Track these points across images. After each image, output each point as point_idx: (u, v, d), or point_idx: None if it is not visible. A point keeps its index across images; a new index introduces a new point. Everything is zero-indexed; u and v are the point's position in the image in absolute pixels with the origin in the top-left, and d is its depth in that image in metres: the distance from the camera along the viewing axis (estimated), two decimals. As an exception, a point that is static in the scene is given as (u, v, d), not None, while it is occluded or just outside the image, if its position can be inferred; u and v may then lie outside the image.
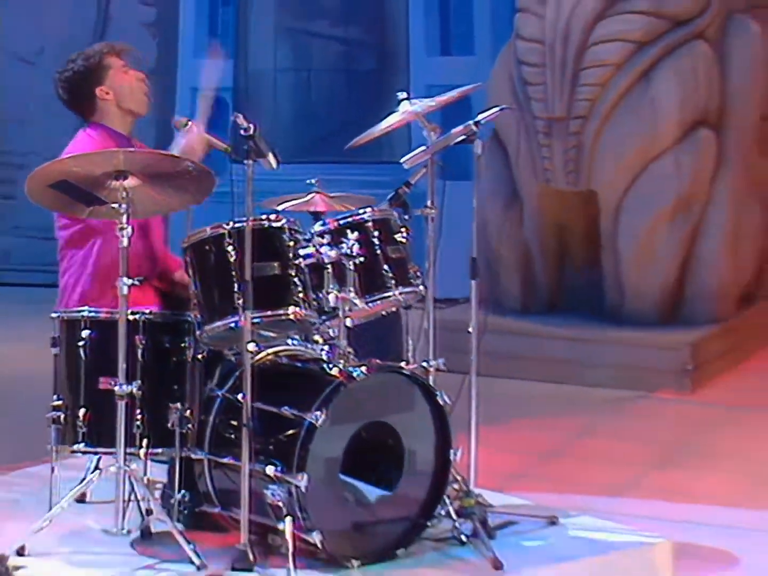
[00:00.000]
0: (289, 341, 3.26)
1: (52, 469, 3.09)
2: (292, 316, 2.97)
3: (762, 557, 3.48)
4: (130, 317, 2.94)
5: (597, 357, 6.04)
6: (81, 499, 3.21)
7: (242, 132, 2.79)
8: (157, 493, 3.21)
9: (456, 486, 3.18)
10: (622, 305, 6.30)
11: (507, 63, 6.37)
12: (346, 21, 8.20)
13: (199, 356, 3.09)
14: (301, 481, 2.79)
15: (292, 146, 7.52)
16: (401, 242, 3.17)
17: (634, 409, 5.55)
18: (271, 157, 2.85)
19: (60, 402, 3.03)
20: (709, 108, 6.20)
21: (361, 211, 3.18)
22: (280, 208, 3.48)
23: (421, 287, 3.20)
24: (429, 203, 3.28)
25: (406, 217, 3.26)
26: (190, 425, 3.02)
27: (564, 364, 6.08)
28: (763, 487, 4.36)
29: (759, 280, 6.52)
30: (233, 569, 2.79)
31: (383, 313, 3.34)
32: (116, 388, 2.86)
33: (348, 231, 3.05)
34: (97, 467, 3.17)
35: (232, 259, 2.86)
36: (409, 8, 7.97)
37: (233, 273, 2.85)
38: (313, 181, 3.46)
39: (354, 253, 3.00)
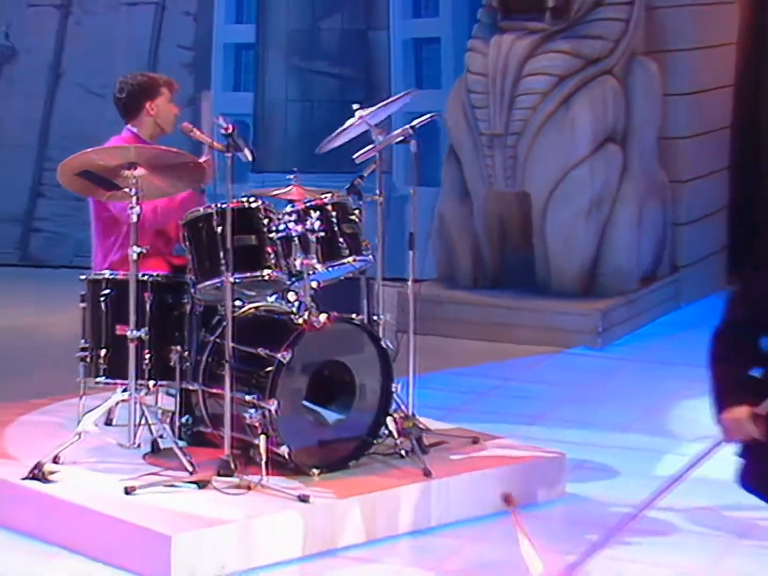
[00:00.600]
0: (269, 298, 3.17)
1: (80, 397, 3.05)
2: (266, 277, 2.89)
3: (640, 470, 3.41)
4: (140, 279, 2.87)
5: (529, 321, 5.74)
6: (108, 423, 3.14)
7: (222, 131, 2.70)
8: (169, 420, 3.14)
9: (399, 412, 3.11)
10: (549, 281, 5.98)
11: (460, 92, 6.10)
12: (341, 61, 8.02)
13: (197, 311, 3.03)
14: (272, 405, 2.73)
15: (298, 159, 7.36)
16: (355, 221, 3.05)
17: (554, 360, 5.33)
18: (246, 152, 2.72)
19: (86, 345, 2.97)
20: (617, 128, 5.88)
21: (322, 195, 3.07)
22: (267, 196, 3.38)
23: (371, 257, 3.10)
24: (377, 192, 3.18)
25: (361, 202, 3.16)
26: (187, 363, 2.96)
27: (503, 326, 5.73)
28: (651, 415, 4.26)
29: (656, 263, 6.32)
30: (218, 475, 2.73)
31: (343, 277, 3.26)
32: (129, 333, 2.80)
33: (311, 211, 2.94)
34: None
35: (218, 232, 2.78)
36: (390, 51, 7.79)
37: (219, 243, 2.76)
38: (291, 177, 3.36)
39: (316, 229, 2.91)
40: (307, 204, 2.99)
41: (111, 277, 2.95)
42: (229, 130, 2.67)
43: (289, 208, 3.00)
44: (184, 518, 2.59)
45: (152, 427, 2.97)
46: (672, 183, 6.28)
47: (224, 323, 2.82)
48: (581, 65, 5.82)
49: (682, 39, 6.27)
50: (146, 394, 2.98)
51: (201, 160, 2.94)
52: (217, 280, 2.79)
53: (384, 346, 2.95)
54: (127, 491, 2.66)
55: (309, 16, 8.14)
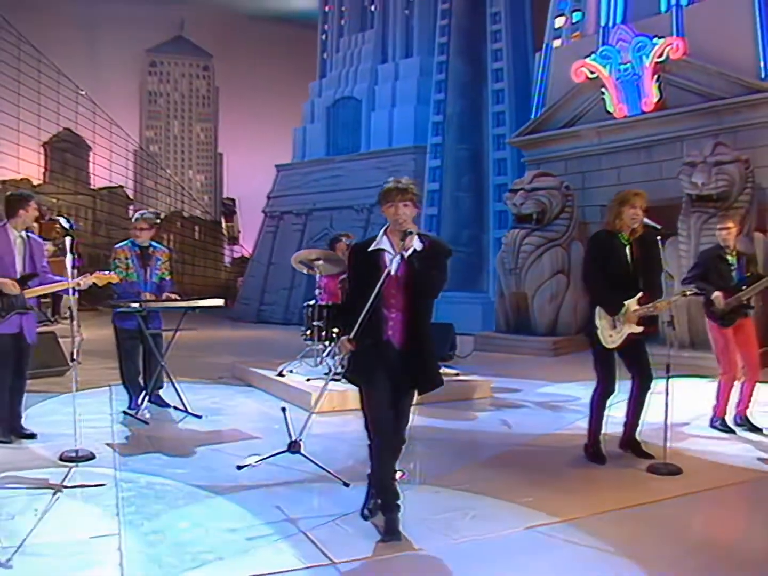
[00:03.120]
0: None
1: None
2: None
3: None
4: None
5: (523, 345, 13.43)
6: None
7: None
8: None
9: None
10: (536, 328, 13.48)
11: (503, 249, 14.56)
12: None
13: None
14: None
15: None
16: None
17: (523, 361, 12.71)
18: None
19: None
20: (563, 267, 13.63)
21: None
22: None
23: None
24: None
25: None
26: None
27: (508, 348, 13.34)
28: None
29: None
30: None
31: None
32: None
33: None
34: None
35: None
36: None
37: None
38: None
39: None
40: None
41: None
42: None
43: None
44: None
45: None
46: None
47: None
48: (546, 241, 13.65)
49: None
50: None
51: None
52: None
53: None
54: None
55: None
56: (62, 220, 5.41)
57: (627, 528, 3.89)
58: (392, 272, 3.68)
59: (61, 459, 4.98)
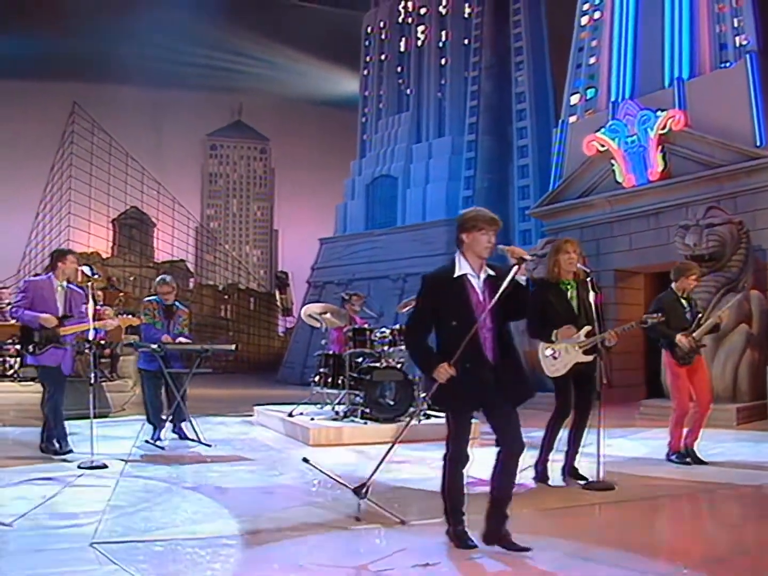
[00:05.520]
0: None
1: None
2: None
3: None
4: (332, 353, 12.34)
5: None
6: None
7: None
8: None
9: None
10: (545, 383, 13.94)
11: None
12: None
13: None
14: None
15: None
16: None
17: (533, 415, 13.00)
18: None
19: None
20: None
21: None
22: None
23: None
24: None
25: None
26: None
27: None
28: None
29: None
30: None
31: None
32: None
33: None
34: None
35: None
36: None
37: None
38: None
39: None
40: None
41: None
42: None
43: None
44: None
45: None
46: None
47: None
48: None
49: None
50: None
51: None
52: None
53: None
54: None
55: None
56: (85, 269, 6.36)
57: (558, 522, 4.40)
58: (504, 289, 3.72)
59: (78, 467, 5.81)
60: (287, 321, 50.10)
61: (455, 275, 3.76)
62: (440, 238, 23.79)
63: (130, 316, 6.77)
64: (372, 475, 4.02)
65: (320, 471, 4.72)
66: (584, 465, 5.71)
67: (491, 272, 3.80)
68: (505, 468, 3.71)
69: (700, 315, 6.86)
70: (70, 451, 6.35)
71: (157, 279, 8.21)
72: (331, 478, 4.67)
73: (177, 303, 8.03)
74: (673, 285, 6.91)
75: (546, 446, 5.85)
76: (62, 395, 6.40)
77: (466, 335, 3.59)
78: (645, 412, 10.47)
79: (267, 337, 46.51)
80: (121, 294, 17.26)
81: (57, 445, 6.37)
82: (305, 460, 4.86)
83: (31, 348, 6.21)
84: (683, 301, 6.82)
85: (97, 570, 3.27)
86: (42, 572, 3.22)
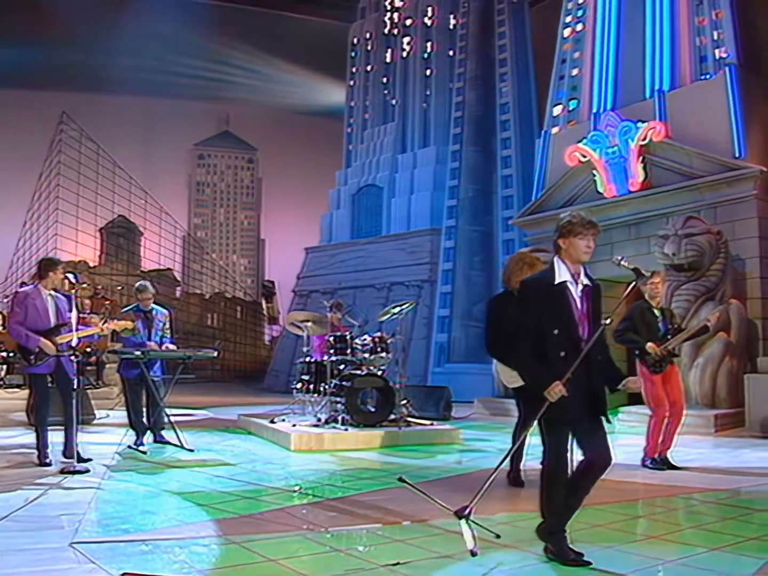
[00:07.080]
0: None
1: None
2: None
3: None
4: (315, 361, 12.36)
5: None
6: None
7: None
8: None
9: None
10: None
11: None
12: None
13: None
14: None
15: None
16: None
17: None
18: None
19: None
20: None
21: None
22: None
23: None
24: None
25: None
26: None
27: (506, 411, 13.94)
28: None
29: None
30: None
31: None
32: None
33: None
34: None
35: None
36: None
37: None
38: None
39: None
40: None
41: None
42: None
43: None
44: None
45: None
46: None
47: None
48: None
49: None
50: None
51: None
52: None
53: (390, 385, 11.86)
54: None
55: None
56: (70, 276, 6.36)
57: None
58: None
59: (61, 472, 5.82)
60: (273, 330, 50.06)
61: (555, 282, 3.61)
62: (425, 247, 23.93)
63: (122, 321, 6.81)
64: (476, 498, 3.76)
65: (419, 491, 4.28)
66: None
67: (588, 282, 3.66)
68: (587, 477, 3.65)
69: (677, 325, 6.96)
70: (48, 464, 6.24)
71: (137, 286, 8.13)
72: (431, 500, 4.23)
73: (155, 307, 8.03)
74: (645, 292, 7.01)
75: (515, 455, 5.81)
76: (48, 403, 6.39)
77: (566, 344, 3.50)
78: (623, 419, 10.58)
79: (253, 345, 46.37)
80: (108, 302, 17.25)
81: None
82: (401, 479, 4.40)
83: (32, 359, 6.21)
84: (655, 311, 6.89)
85: (76, 569, 3.29)
86: (21, 571, 3.24)
